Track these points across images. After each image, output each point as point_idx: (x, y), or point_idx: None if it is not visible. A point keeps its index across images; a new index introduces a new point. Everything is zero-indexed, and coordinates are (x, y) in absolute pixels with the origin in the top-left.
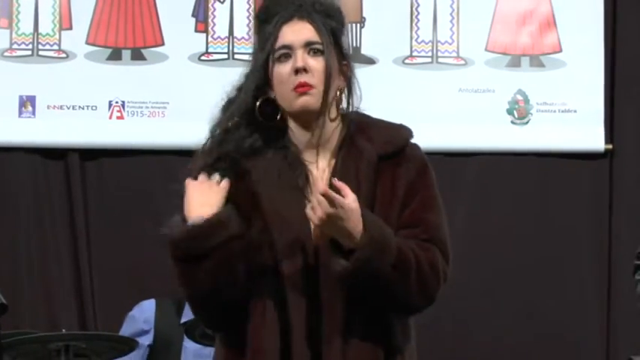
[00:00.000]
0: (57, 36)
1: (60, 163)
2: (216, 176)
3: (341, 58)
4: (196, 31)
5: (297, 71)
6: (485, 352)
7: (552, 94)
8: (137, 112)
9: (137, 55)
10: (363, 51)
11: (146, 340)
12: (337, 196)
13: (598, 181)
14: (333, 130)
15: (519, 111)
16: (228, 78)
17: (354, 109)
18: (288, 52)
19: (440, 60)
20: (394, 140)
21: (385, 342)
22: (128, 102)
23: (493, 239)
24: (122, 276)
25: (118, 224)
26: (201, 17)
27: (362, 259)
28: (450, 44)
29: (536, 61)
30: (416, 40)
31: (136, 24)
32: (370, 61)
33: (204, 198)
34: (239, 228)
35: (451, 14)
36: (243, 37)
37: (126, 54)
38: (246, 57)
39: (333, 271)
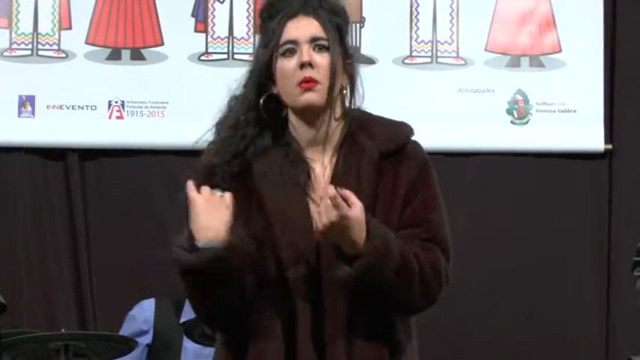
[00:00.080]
0: (56, 36)
1: (59, 163)
2: (218, 192)
3: (345, 56)
4: (196, 31)
5: (302, 66)
6: (485, 351)
7: (552, 94)
8: (137, 112)
9: (137, 55)
10: (363, 51)
11: (145, 340)
12: (344, 205)
13: (597, 181)
14: (334, 127)
15: (519, 111)
16: (228, 78)
17: (356, 107)
18: (293, 48)
19: (439, 60)
20: (396, 138)
21: (389, 340)
22: (128, 102)
23: (493, 239)
24: (122, 276)
25: (118, 224)
26: (201, 17)
27: (365, 266)
28: (450, 44)
29: (536, 61)
30: (415, 40)
31: (135, 24)
32: (370, 61)
33: (212, 217)
34: (249, 247)
35: (451, 14)
36: (242, 37)
37: (125, 54)
38: (246, 57)
39: (336, 277)
